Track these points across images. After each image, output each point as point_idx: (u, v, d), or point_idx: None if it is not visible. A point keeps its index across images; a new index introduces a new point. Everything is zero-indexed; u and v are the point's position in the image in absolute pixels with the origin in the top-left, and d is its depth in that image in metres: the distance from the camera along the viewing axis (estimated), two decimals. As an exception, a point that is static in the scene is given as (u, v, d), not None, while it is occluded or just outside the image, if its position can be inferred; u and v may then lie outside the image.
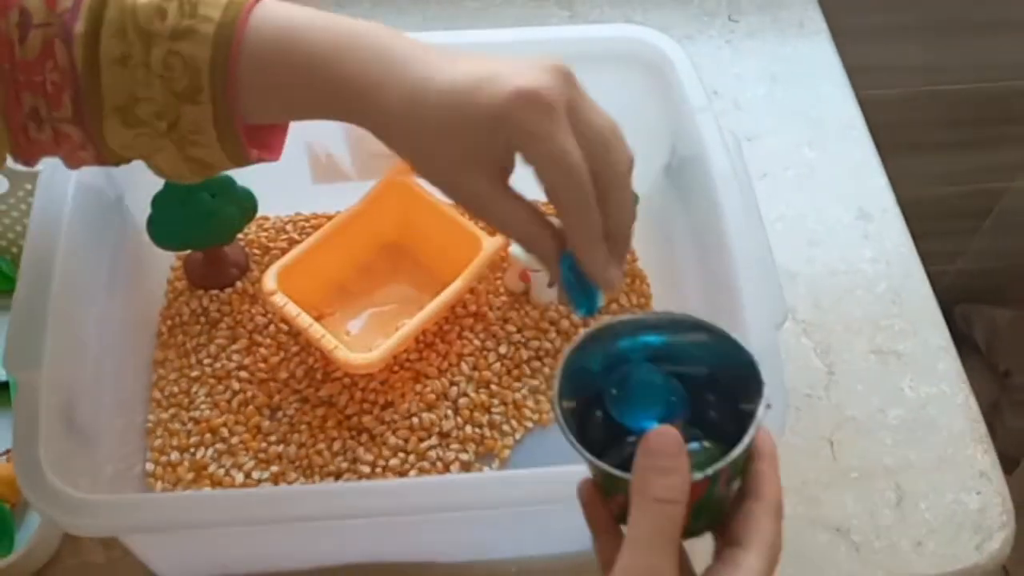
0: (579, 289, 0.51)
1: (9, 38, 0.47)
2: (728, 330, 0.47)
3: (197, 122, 0.49)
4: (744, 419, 0.44)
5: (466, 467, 0.74)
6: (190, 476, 0.73)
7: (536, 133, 0.46)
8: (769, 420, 0.59)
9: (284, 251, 0.81)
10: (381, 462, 0.74)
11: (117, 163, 0.53)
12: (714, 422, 0.48)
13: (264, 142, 0.54)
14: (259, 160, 0.53)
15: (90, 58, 0.48)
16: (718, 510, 0.45)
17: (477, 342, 0.80)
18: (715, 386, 0.48)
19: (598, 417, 0.49)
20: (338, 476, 0.73)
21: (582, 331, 0.47)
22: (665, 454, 0.42)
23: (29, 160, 0.53)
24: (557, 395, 0.46)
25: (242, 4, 0.48)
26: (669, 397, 0.48)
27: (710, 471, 0.42)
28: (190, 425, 0.76)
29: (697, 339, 0.47)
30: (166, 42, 0.47)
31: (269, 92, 0.50)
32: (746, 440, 0.43)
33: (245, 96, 0.49)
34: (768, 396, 0.44)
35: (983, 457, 0.78)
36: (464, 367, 0.78)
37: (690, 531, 0.45)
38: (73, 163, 0.53)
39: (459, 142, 0.47)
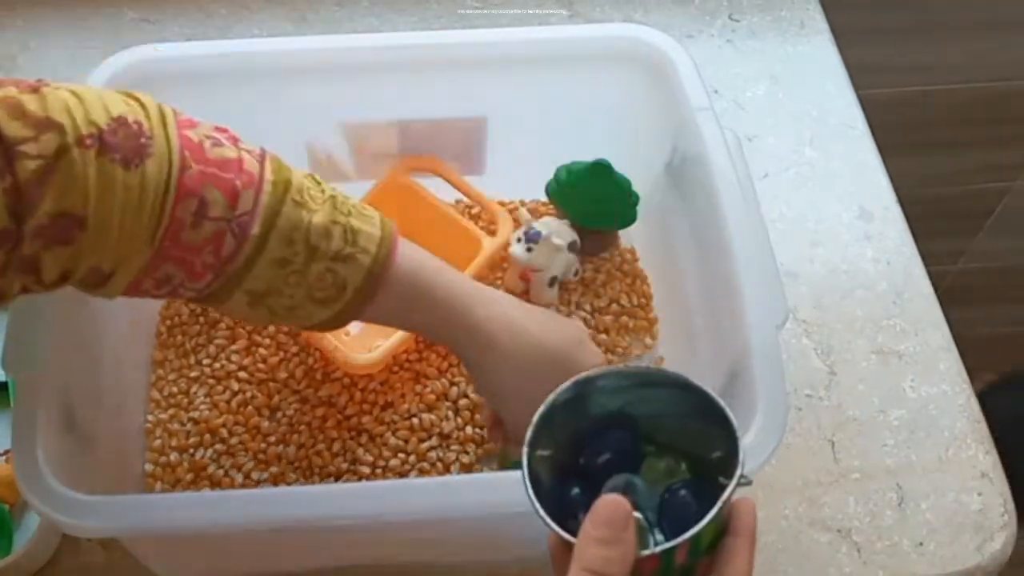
0: None
1: (182, 221, 0.52)
2: (718, 397, 0.46)
3: (312, 317, 0.58)
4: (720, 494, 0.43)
5: (467, 468, 0.74)
6: (189, 477, 0.73)
7: None
8: (770, 421, 0.59)
9: (284, 251, 0.81)
10: (381, 463, 0.74)
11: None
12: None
13: None
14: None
15: (254, 254, 0.54)
16: None
17: (477, 342, 0.79)
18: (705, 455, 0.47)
19: (579, 464, 0.49)
20: (338, 477, 0.73)
21: (571, 379, 0.47)
22: (609, 525, 0.41)
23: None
24: (528, 441, 0.45)
25: (391, 240, 0.58)
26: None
27: (658, 549, 0.41)
28: (189, 426, 0.75)
29: (687, 404, 0.47)
30: (327, 260, 0.56)
31: (392, 313, 0.60)
32: (706, 519, 0.42)
33: (368, 312, 0.59)
34: (744, 475, 0.43)
35: (984, 458, 0.78)
36: (464, 368, 0.78)
37: None
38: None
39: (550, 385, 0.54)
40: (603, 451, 0.49)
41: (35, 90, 0.49)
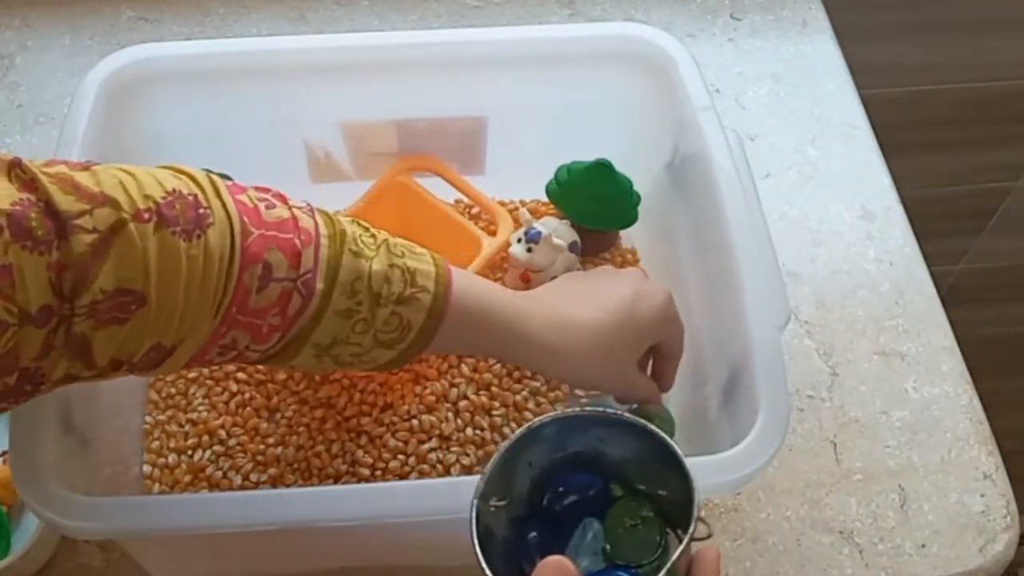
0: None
1: (248, 287, 0.53)
2: (682, 452, 0.45)
3: (376, 360, 0.59)
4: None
5: (467, 470, 0.74)
6: (187, 478, 0.73)
7: (677, 333, 0.67)
8: (772, 423, 0.58)
9: (283, 251, 0.81)
10: (381, 465, 0.73)
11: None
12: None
13: None
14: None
15: (320, 309, 0.55)
16: None
17: (477, 343, 0.79)
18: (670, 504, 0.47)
19: (543, 505, 0.49)
20: (337, 479, 0.73)
21: (527, 425, 0.47)
22: None
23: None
24: (479, 493, 0.45)
25: (446, 276, 0.59)
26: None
27: None
28: (187, 427, 0.75)
29: (648, 448, 0.47)
30: (391, 305, 0.57)
31: (454, 343, 0.62)
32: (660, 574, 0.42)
33: (430, 347, 0.60)
34: (698, 531, 0.43)
35: (987, 459, 0.78)
36: (464, 368, 0.77)
37: None
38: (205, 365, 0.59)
39: (624, 350, 0.64)
40: (567, 493, 0.49)
41: (86, 168, 0.49)
